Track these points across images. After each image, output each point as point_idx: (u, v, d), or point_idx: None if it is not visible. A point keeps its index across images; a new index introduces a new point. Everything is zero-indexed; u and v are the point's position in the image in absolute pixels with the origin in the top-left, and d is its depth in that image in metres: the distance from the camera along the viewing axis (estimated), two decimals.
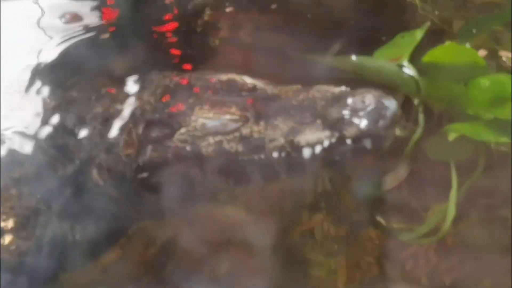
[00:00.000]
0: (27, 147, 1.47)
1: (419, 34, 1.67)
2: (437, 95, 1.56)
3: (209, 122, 1.33)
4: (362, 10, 1.89)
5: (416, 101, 1.59)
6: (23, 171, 1.43)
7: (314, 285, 1.43)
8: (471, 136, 1.44)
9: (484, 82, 1.47)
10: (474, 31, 1.71)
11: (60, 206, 1.40)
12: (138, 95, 1.45)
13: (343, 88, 1.34)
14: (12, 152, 1.46)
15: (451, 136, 1.43)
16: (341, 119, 1.26)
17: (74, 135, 1.42)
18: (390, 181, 1.50)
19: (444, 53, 1.57)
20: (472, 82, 1.48)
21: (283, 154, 1.29)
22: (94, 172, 1.37)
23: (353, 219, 1.50)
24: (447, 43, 1.58)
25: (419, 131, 1.50)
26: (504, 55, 1.65)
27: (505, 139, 1.42)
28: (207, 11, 1.88)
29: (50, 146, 1.43)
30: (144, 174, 1.33)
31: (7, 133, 1.49)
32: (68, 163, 1.41)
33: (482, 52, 1.64)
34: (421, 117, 1.52)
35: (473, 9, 1.85)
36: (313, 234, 1.48)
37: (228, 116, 1.33)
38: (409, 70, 1.61)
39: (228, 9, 1.90)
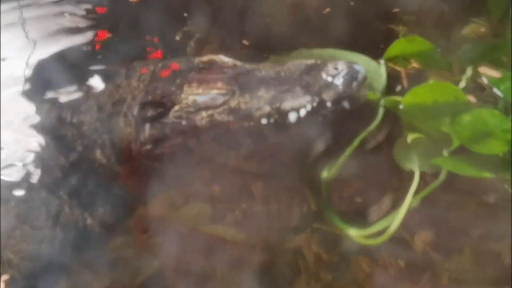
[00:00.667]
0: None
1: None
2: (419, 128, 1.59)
3: (199, 98, 1.48)
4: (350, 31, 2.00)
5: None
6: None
7: None
8: (454, 171, 1.49)
9: (466, 118, 1.51)
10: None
11: (68, 190, 1.53)
12: (126, 82, 1.59)
13: (314, 60, 1.54)
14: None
15: (410, 139, 1.54)
16: (319, 85, 1.45)
17: (73, 125, 1.56)
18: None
19: (427, 91, 1.59)
20: (455, 119, 1.52)
21: (271, 120, 1.45)
22: (98, 153, 1.52)
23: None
24: (431, 81, 1.65)
25: (372, 126, 1.60)
26: (483, 71, 1.69)
27: (486, 174, 1.46)
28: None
29: (53, 138, 1.57)
30: (148, 147, 1.47)
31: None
32: (72, 150, 1.55)
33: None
34: (380, 113, 1.61)
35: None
36: None
37: (215, 91, 1.49)
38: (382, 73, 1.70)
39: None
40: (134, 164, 1.54)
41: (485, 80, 1.70)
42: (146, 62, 1.69)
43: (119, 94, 1.59)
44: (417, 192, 1.51)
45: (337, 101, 1.43)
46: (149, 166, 1.53)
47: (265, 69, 1.57)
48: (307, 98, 1.45)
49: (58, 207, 1.51)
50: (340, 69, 1.45)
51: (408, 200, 1.49)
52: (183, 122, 1.48)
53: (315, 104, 1.44)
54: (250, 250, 1.57)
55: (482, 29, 2.01)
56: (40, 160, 1.57)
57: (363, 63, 1.58)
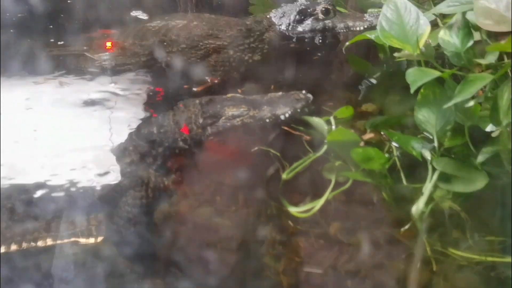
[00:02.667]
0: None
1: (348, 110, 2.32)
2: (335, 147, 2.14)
3: (234, 112, 2.40)
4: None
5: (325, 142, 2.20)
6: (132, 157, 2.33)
7: None
8: (354, 178, 2.05)
9: (359, 150, 2.03)
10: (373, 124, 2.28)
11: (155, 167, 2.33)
12: (187, 108, 2.45)
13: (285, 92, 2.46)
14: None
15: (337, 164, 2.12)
16: (289, 103, 2.37)
17: (160, 132, 2.36)
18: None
19: (338, 133, 2.15)
20: (353, 150, 2.03)
21: (271, 120, 2.39)
22: (180, 143, 2.36)
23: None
24: (339, 128, 2.19)
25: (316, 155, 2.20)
26: (367, 136, 2.27)
27: (369, 180, 2.02)
28: None
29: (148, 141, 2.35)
30: (211, 137, 2.38)
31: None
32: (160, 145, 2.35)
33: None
34: (324, 149, 2.21)
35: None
36: None
37: (242, 109, 2.41)
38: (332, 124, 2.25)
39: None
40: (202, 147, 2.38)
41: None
42: (196, 99, 2.51)
43: (186, 114, 2.42)
44: (332, 191, 2.03)
45: (300, 110, 2.36)
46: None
47: (261, 98, 2.47)
48: (286, 109, 2.38)
49: (148, 177, 2.27)
50: (300, 96, 2.42)
51: (327, 194, 2.00)
52: (228, 124, 2.40)
53: (289, 112, 2.35)
54: (236, 233, 2.12)
55: (372, 108, 2.53)
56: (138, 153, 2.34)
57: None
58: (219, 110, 2.42)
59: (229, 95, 2.56)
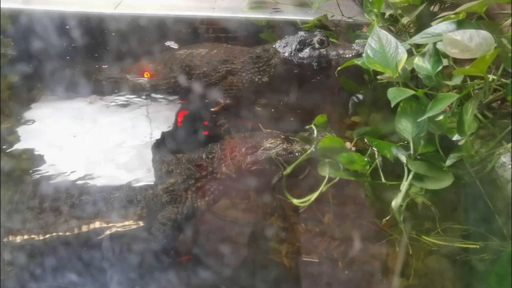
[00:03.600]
0: None
1: (322, 118, 2.31)
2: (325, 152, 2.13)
3: (271, 145, 2.23)
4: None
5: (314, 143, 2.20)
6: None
7: None
8: (341, 177, 2.06)
9: (344, 155, 2.04)
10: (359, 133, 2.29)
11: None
12: (234, 140, 2.34)
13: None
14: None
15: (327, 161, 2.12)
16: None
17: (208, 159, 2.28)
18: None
19: (328, 140, 2.14)
20: (339, 155, 2.05)
21: (299, 153, 2.21)
22: (223, 168, 2.26)
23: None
24: (329, 135, 2.19)
25: (307, 153, 2.20)
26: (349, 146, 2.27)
27: (352, 178, 2.04)
28: None
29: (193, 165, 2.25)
30: (249, 165, 2.22)
31: None
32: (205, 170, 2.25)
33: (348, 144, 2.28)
34: (312, 148, 2.21)
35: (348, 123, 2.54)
36: None
37: (278, 142, 2.23)
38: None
39: None
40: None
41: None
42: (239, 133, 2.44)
43: (231, 144, 2.32)
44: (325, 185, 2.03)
45: None
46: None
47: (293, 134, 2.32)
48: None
49: (187, 197, 2.17)
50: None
51: (321, 187, 2.02)
52: (265, 154, 2.20)
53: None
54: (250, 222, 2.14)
55: (359, 120, 2.56)
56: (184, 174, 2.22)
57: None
58: (259, 141, 2.28)
59: (268, 130, 2.46)
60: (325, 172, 2.08)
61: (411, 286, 1.76)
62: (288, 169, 2.16)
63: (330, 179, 2.06)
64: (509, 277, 1.63)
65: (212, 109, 2.77)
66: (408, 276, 1.79)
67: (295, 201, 2.03)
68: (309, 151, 2.19)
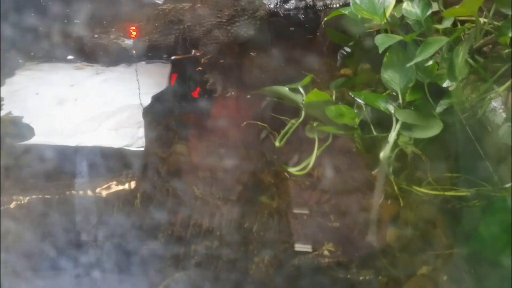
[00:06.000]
0: None
1: (308, 78, 2.19)
2: (311, 108, 2.08)
3: None
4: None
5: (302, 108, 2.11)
6: None
7: None
8: (331, 132, 2.00)
9: (332, 108, 1.95)
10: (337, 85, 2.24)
11: None
12: None
13: None
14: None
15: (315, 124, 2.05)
16: None
17: None
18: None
19: (314, 95, 2.04)
20: (327, 108, 1.95)
21: None
22: None
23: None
24: (315, 90, 2.07)
25: (300, 119, 2.11)
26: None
27: (342, 132, 1.97)
28: None
29: None
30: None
31: None
32: None
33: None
34: (303, 114, 2.11)
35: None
36: None
37: None
38: (301, 91, 2.16)
39: None
40: None
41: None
42: None
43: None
44: (318, 148, 1.99)
45: None
46: None
47: None
48: None
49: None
50: None
51: (315, 153, 1.94)
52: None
53: None
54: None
55: (349, 72, 2.48)
56: None
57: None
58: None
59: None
60: (313, 133, 2.03)
61: (403, 235, 1.74)
62: (282, 141, 2.09)
63: (323, 142, 2.02)
64: (499, 222, 1.64)
65: (199, 65, 2.67)
66: (399, 226, 1.77)
67: (292, 170, 1.97)
68: (300, 120, 2.11)
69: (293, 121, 2.12)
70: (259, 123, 2.18)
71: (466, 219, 1.76)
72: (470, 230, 1.75)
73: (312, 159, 1.95)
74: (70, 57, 2.75)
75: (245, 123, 2.18)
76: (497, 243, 1.61)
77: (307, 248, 1.77)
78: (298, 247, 1.78)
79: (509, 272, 1.49)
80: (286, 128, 2.11)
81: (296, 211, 1.91)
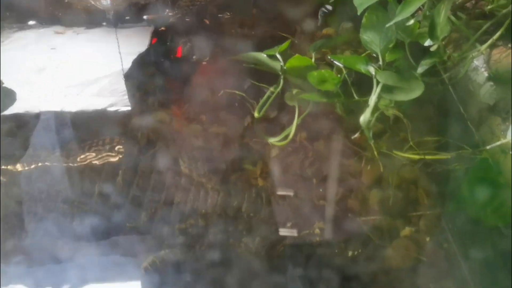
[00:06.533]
0: None
1: (286, 43, 2.10)
2: (292, 74, 2.02)
3: None
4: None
5: (281, 76, 2.04)
6: None
7: None
8: (312, 99, 1.93)
9: (314, 74, 1.90)
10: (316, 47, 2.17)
11: None
12: None
13: None
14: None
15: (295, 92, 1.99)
16: None
17: None
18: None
19: (296, 60, 1.99)
20: (309, 74, 1.92)
21: None
22: None
23: None
24: (297, 55, 2.01)
25: (279, 88, 2.03)
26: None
27: (325, 100, 1.91)
28: None
29: None
30: None
31: None
32: None
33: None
34: (281, 82, 2.04)
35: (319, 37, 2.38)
36: None
37: None
38: (279, 58, 2.06)
39: None
40: None
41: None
42: None
43: None
44: (299, 116, 1.94)
45: None
46: None
47: None
48: None
49: None
50: None
51: (295, 122, 1.90)
52: None
53: None
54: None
55: (331, 31, 2.41)
56: None
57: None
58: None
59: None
60: (293, 101, 1.97)
61: (386, 196, 1.74)
62: (257, 111, 2.02)
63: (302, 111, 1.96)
64: (480, 183, 1.64)
65: (177, 29, 2.58)
66: (382, 188, 1.76)
67: (272, 140, 1.92)
68: (279, 88, 2.03)
69: (271, 88, 2.05)
70: (236, 92, 2.11)
71: (448, 181, 1.75)
72: (452, 191, 1.75)
73: (292, 129, 1.90)
74: (48, 21, 2.67)
75: (222, 92, 2.12)
76: (478, 202, 1.62)
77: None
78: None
79: (489, 228, 1.54)
80: (265, 96, 2.03)
81: (279, 177, 1.89)
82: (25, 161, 1.94)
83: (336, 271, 1.64)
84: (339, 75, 1.94)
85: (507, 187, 1.55)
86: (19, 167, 1.92)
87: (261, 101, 2.04)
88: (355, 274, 1.64)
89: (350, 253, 1.66)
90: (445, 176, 1.75)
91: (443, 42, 1.77)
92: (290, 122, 1.96)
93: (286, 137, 1.93)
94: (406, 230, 1.67)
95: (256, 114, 2.01)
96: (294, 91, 2.01)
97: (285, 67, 2.05)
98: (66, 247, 1.69)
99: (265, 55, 2.16)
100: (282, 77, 2.07)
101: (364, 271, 1.64)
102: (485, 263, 1.55)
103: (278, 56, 2.10)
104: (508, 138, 1.53)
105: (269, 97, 2.05)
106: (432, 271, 1.60)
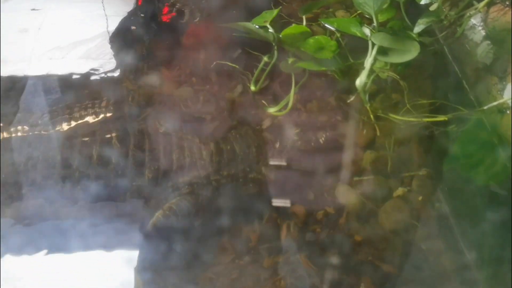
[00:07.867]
0: None
1: (275, 11, 2.04)
2: (288, 43, 1.96)
3: None
4: None
5: (274, 46, 1.98)
6: None
7: None
8: (309, 68, 1.87)
9: (310, 41, 1.87)
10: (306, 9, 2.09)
11: None
12: None
13: None
14: None
15: (290, 61, 1.92)
16: None
17: None
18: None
19: (292, 29, 1.94)
20: (306, 40, 1.89)
21: None
22: None
23: None
24: (294, 25, 1.97)
25: (274, 59, 1.96)
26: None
27: (323, 68, 1.85)
28: None
29: None
30: None
31: None
32: None
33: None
34: (276, 53, 1.96)
35: None
36: None
37: None
38: (270, 30, 2.00)
39: None
40: None
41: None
42: None
43: None
44: (296, 84, 1.88)
45: None
46: None
47: None
48: None
49: None
50: None
51: (293, 89, 1.85)
52: None
53: None
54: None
55: None
56: None
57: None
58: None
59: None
60: (289, 69, 1.90)
61: (380, 156, 1.72)
62: (253, 84, 1.94)
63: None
64: (473, 143, 1.65)
65: None
66: (377, 149, 1.74)
67: (271, 110, 1.85)
68: (274, 60, 1.95)
69: (265, 58, 1.96)
70: (229, 63, 2.02)
71: (443, 142, 1.73)
72: (446, 152, 1.73)
73: (291, 98, 1.84)
74: None
75: (214, 63, 2.03)
76: (470, 160, 1.62)
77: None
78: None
79: (480, 187, 1.53)
80: (260, 67, 1.95)
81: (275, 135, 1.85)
82: (17, 125, 1.85)
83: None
84: (335, 41, 1.89)
85: (500, 146, 1.55)
86: (12, 131, 1.85)
87: (256, 73, 1.95)
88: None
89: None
90: (441, 138, 1.73)
91: (440, 0, 1.73)
92: (283, 90, 1.92)
93: (285, 106, 1.87)
94: (399, 190, 1.65)
95: (252, 88, 1.93)
96: (290, 60, 1.94)
97: (280, 36, 1.99)
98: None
99: (255, 26, 2.06)
100: (275, 47, 1.99)
101: (356, 231, 1.61)
102: (475, 222, 1.56)
103: (269, 26, 2.03)
104: (506, 97, 1.51)
105: (263, 68, 1.97)
106: (423, 230, 1.59)
